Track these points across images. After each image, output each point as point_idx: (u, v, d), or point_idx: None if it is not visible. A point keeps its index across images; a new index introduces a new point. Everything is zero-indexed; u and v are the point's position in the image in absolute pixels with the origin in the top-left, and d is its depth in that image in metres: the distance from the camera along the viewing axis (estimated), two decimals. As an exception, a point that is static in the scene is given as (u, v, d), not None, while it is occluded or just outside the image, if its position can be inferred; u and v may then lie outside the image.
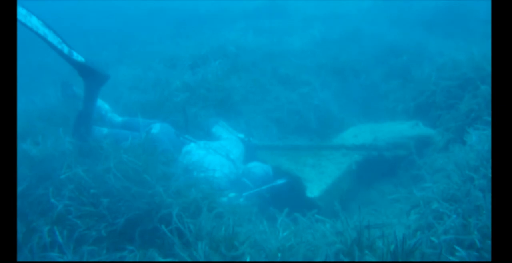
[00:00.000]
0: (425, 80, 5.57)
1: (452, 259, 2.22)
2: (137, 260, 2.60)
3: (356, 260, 2.26)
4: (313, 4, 11.14)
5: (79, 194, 3.04)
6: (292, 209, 3.05)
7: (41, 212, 3.04)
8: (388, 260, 2.24)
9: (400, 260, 2.23)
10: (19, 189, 3.21)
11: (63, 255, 2.66)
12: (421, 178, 3.75)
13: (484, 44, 5.35)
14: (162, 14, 11.34)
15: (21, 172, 3.33)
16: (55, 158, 3.42)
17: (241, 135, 4.51)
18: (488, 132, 3.29)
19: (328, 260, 2.31)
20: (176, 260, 2.51)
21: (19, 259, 2.73)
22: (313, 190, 3.88)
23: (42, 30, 3.55)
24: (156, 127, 4.16)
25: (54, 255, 2.67)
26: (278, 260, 2.39)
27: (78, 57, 3.77)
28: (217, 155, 4.08)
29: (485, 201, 2.50)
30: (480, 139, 3.27)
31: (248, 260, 2.41)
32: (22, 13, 3.45)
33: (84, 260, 2.64)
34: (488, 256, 2.20)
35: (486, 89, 4.28)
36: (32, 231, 2.87)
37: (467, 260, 2.20)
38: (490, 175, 2.73)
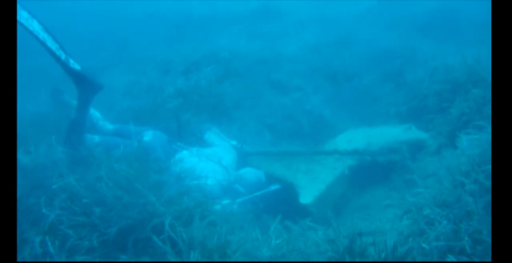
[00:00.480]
0: (417, 84, 5.61)
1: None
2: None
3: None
4: (307, 8, 11.17)
5: (71, 203, 3.02)
6: (286, 215, 3.05)
7: (33, 222, 3.02)
8: (380, 267, 2.25)
9: (391, 267, 2.24)
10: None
11: (55, 265, 2.65)
12: (414, 183, 3.76)
13: (475, 48, 5.40)
14: (157, 18, 11.32)
15: (12, 182, 3.31)
16: (47, 167, 3.40)
17: (234, 142, 4.51)
18: (479, 136, 3.30)
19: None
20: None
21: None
22: (306, 196, 3.88)
23: (42, 35, 3.53)
24: (149, 135, 4.15)
25: (46, 265, 2.65)
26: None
27: (74, 65, 3.74)
28: (210, 162, 4.08)
29: (476, 206, 2.51)
30: (471, 143, 3.28)
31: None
32: (24, 16, 3.44)
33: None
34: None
35: (477, 93, 4.31)
36: (23, 242, 2.85)
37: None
38: (481, 180, 2.75)
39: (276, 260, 2.42)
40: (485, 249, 2.23)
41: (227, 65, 5.91)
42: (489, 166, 2.74)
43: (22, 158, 3.50)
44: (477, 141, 3.23)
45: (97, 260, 2.74)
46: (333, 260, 2.32)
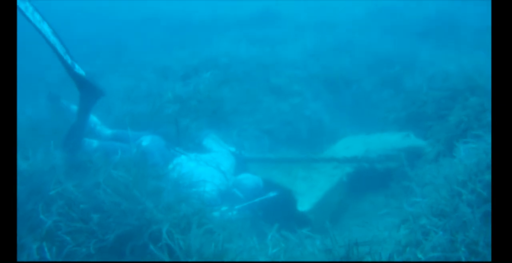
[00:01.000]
0: (416, 91, 5.63)
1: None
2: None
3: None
4: (306, 13, 11.20)
5: (68, 209, 3.02)
6: (283, 222, 3.05)
7: (30, 228, 3.01)
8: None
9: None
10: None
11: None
12: (412, 190, 3.76)
13: (474, 54, 5.42)
14: (156, 23, 11.34)
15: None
16: (45, 173, 3.39)
17: (232, 148, 4.52)
18: (476, 145, 3.31)
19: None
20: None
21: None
22: (304, 204, 3.88)
23: (52, 38, 3.55)
24: (147, 139, 4.15)
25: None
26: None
27: (79, 70, 3.77)
28: (208, 167, 4.08)
29: (474, 216, 2.52)
30: (468, 153, 3.29)
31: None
32: (37, 19, 3.46)
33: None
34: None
35: (475, 100, 4.33)
36: (21, 248, 2.84)
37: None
38: (478, 190, 2.75)
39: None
40: (481, 260, 2.24)
41: (226, 70, 5.92)
42: (486, 176, 2.75)
43: (20, 163, 3.50)
44: (475, 151, 3.24)
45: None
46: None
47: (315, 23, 10.15)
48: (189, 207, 3.03)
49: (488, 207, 2.50)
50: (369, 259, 2.31)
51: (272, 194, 4.02)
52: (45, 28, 3.52)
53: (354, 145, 4.70)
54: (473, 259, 2.22)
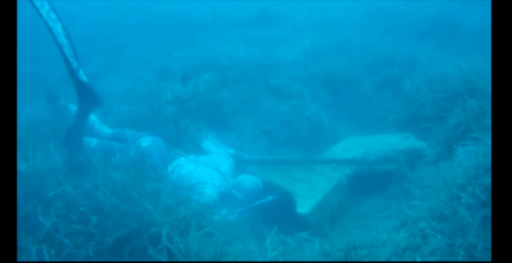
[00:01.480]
0: (415, 92, 5.62)
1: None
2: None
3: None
4: (306, 13, 11.19)
5: (67, 211, 3.01)
6: (282, 224, 3.04)
7: (29, 230, 3.01)
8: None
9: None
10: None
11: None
12: (411, 193, 3.76)
13: (473, 56, 5.42)
14: (155, 23, 11.32)
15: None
16: (44, 174, 3.39)
17: (231, 150, 4.51)
18: (475, 148, 3.31)
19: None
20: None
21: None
22: (303, 206, 3.88)
23: (62, 39, 3.55)
24: (147, 140, 4.14)
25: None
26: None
27: (83, 76, 3.75)
28: (207, 168, 4.08)
29: (473, 220, 2.52)
30: (467, 156, 3.29)
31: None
32: (51, 18, 3.47)
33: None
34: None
35: (474, 103, 4.32)
36: (20, 250, 2.83)
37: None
38: (477, 193, 2.75)
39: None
40: (479, 264, 2.24)
41: (225, 71, 5.92)
42: (485, 180, 2.75)
43: (20, 165, 3.49)
44: (474, 153, 3.24)
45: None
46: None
47: (315, 23, 10.15)
48: (188, 210, 3.02)
49: (487, 210, 2.50)
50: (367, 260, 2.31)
51: (271, 197, 4.01)
52: (58, 29, 3.53)
53: (354, 146, 4.69)
54: (471, 263, 2.22)
